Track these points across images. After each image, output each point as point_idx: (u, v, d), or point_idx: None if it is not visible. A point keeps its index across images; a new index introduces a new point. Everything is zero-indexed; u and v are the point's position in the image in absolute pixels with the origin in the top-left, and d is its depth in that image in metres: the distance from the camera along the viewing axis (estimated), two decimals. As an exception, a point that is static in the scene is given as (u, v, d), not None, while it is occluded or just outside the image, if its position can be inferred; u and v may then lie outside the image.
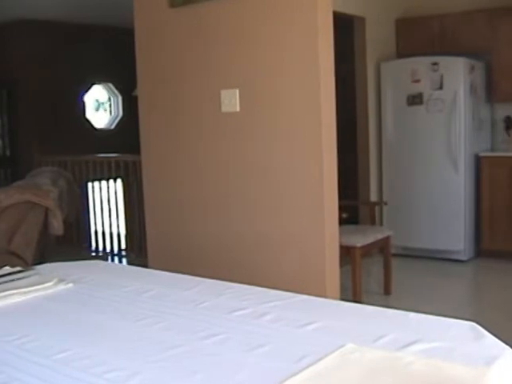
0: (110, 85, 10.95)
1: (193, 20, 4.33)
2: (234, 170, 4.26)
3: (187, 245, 4.51)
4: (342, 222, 4.49)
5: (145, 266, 4.31)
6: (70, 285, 2.99)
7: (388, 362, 1.89)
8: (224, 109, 4.23)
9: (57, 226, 5.44)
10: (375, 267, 6.29)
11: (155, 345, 2.18)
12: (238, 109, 4.17)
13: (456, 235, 6.89)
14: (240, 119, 4.18)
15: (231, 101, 4.18)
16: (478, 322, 2.25)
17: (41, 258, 5.16)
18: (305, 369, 1.87)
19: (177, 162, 4.54)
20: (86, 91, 10.44)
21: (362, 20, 7.13)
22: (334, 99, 3.99)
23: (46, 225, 5.47)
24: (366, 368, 1.87)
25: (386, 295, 5.74)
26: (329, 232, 3.95)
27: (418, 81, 6.93)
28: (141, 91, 4.73)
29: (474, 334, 2.14)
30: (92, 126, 10.61)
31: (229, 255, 4.30)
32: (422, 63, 6.92)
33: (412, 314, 2.37)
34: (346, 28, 7.06)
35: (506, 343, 2.06)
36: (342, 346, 2.02)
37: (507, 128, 7.27)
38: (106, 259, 7.59)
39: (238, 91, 4.16)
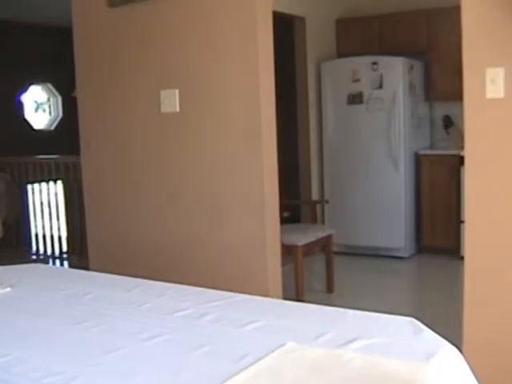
0: (49, 85, 10.80)
1: (132, 19, 4.29)
2: (174, 170, 4.24)
3: (128, 246, 4.47)
4: (283, 220, 4.51)
5: (86, 268, 4.26)
6: (8, 289, 2.94)
7: (328, 360, 1.90)
8: (164, 109, 4.20)
9: (-5, 229, 5.35)
10: (318, 266, 6.32)
11: (95, 348, 2.16)
12: (177, 109, 4.15)
13: (397, 232, 6.97)
14: (180, 119, 4.16)
15: (171, 101, 4.16)
16: (418, 318, 2.28)
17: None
18: (245, 368, 1.87)
19: (116, 163, 4.50)
20: (24, 92, 10.27)
21: (302, 20, 7.15)
22: (273, 98, 4.00)
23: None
24: (307, 366, 1.87)
25: (328, 293, 5.78)
26: (270, 231, 3.96)
27: (358, 80, 6.98)
28: (80, 92, 4.67)
29: (413, 329, 2.17)
30: (31, 126, 10.44)
31: (170, 256, 4.28)
32: (361, 63, 6.98)
33: (352, 312, 2.39)
34: (286, 28, 7.08)
35: (445, 338, 2.09)
36: (283, 345, 2.03)
37: (446, 126, 7.37)
38: (47, 262, 7.47)
39: (177, 91, 4.14)
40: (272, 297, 3.82)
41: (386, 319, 2.29)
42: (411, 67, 6.96)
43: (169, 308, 2.54)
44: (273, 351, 1.99)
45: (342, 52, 7.56)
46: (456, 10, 3.22)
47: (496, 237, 3.24)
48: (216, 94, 4.03)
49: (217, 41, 3.98)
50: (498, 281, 3.26)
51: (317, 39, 7.35)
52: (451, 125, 7.24)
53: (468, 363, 2.06)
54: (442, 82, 6.96)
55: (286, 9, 6.62)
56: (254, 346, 2.06)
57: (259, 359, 1.94)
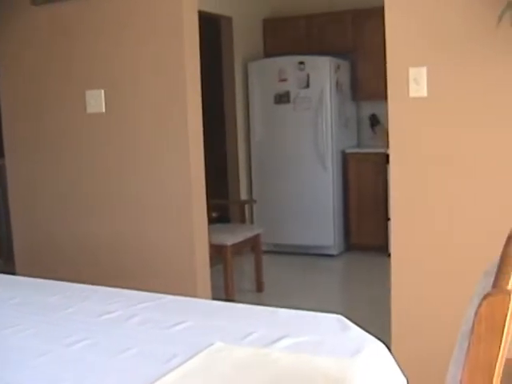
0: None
1: (56, 18, 4.22)
2: (100, 170, 4.19)
3: (55, 250, 4.40)
4: (212, 221, 4.50)
5: (13, 273, 4.17)
6: None
7: (256, 359, 1.90)
8: (89, 110, 4.15)
9: None
10: (248, 265, 6.33)
11: (20, 353, 2.11)
12: (103, 110, 4.11)
13: (326, 231, 7.03)
14: (106, 120, 4.12)
15: (97, 101, 4.11)
16: (348, 315, 2.29)
17: None
18: (173, 369, 1.86)
19: (42, 164, 4.43)
20: None
21: (228, 20, 7.15)
22: (199, 99, 3.99)
23: None
24: (234, 365, 1.87)
25: (258, 292, 5.79)
26: (198, 231, 3.95)
27: (285, 80, 7.02)
28: (4, 91, 4.57)
29: (341, 326, 2.18)
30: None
31: (97, 258, 4.23)
32: (288, 62, 7.02)
33: (281, 310, 2.39)
34: (212, 28, 7.07)
35: (374, 334, 2.11)
36: (211, 345, 2.02)
37: (372, 125, 7.48)
38: (-28, 267, 7.30)
39: (103, 92, 4.10)
40: (201, 297, 3.81)
41: (313, 317, 2.31)
42: (338, 67, 7.03)
43: (95, 311, 2.50)
44: (201, 351, 1.98)
45: (269, 52, 7.59)
46: (381, 11, 3.26)
47: (421, 233, 3.30)
48: (142, 94, 4.00)
49: (142, 41, 3.95)
50: (422, 276, 3.32)
51: (244, 39, 7.36)
52: (378, 123, 7.35)
53: (395, 358, 2.09)
54: (368, 81, 7.07)
55: (212, 8, 6.61)
56: (182, 347, 2.04)
57: (187, 360, 1.92)
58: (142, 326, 2.31)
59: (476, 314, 1.05)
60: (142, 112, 4.01)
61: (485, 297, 1.04)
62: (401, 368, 2.07)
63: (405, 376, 2.06)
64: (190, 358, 1.94)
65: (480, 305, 1.04)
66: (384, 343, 2.12)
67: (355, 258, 7.04)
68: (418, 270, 3.33)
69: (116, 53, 4.05)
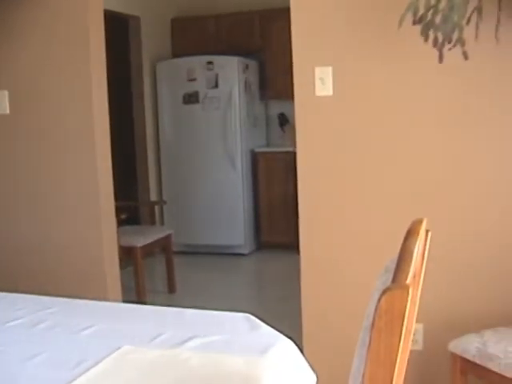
0: None
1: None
2: (6, 172, 4.10)
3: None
4: (121, 223, 4.46)
5: None
6: None
7: (164, 360, 1.90)
8: (-7, 111, 4.06)
9: None
10: (159, 266, 6.29)
11: None
12: (7, 111, 4.02)
13: (236, 230, 7.06)
14: (10, 121, 4.03)
15: (1, 103, 4.02)
16: (259, 313, 2.31)
17: None
18: (82, 374, 1.83)
19: None
20: None
21: (136, 19, 7.09)
22: (106, 99, 3.95)
23: None
24: (143, 368, 1.86)
25: (170, 294, 5.77)
26: (107, 234, 3.91)
27: (193, 80, 7.01)
28: None
29: (250, 325, 2.20)
30: None
31: (3, 262, 4.13)
32: (197, 62, 7.01)
33: (189, 311, 2.39)
34: (120, 27, 7.00)
35: (286, 331, 2.14)
36: (119, 348, 2.00)
37: (281, 124, 7.54)
38: None
39: (7, 93, 4.01)
40: (111, 300, 3.78)
41: (222, 316, 2.31)
42: (246, 67, 7.07)
43: (1, 318, 2.44)
44: (109, 355, 1.96)
45: (178, 52, 7.56)
46: (288, 11, 3.29)
47: (328, 231, 3.35)
48: (47, 95, 3.93)
49: (47, 41, 3.89)
50: (331, 273, 3.37)
51: (152, 39, 7.31)
52: (286, 122, 7.41)
53: (307, 355, 2.11)
54: (276, 80, 7.12)
55: (119, 8, 6.55)
56: (90, 352, 2.02)
57: (96, 364, 1.90)
58: (50, 331, 2.27)
59: (376, 308, 1.07)
60: (47, 113, 3.94)
61: (384, 291, 1.06)
62: (311, 365, 2.10)
63: (315, 372, 2.09)
64: (98, 362, 1.92)
65: (379, 299, 1.06)
66: (295, 341, 2.15)
67: (266, 256, 7.09)
68: (327, 267, 3.38)
69: (21, 54, 3.97)
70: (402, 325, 1.07)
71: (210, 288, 5.96)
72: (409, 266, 1.16)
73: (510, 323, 2.86)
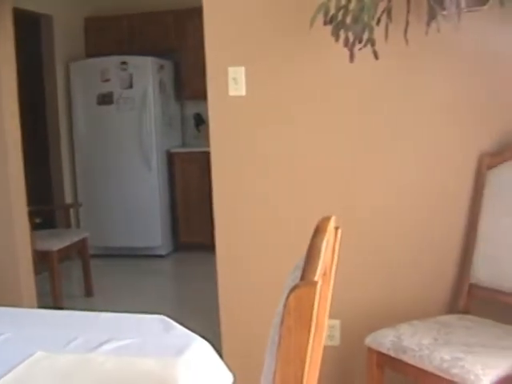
0: None
1: None
2: None
3: None
4: (36, 227, 4.38)
5: None
6: None
7: (78, 365, 1.87)
8: None
9: None
10: (77, 270, 6.20)
11: None
12: None
13: (153, 231, 7.02)
14: None
15: None
16: (176, 315, 2.31)
17: None
18: (-8, 383, 1.79)
19: None
20: None
21: (49, 18, 6.96)
22: (16, 101, 3.88)
23: None
24: (57, 374, 1.83)
25: (88, 297, 5.70)
26: (20, 239, 3.84)
27: (107, 80, 6.94)
28: None
29: (164, 326, 2.18)
30: None
31: None
32: (111, 63, 6.94)
33: (103, 315, 2.36)
34: (31, 27, 6.86)
35: (201, 333, 2.13)
36: (32, 355, 1.96)
37: (197, 124, 7.53)
38: None
39: None
40: (26, 306, 3.71)
41: (137, 319, 2.29)
42: (161, 67, 7.04)
43: None
44: (22, 362, 1.92)
45: (92, 52, 7.47)
46: (201, 11, 3.29)
47: (242, 231, 3.36)
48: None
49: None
50: (246, 273, 3.39)
51: (65, 38, 7.20)
52: (202, 123, 7.41)
53: (225, 355, 2.11)
54: (191, 80, 7.11)
55: (31, 6, 6.41)
56: (2, 360, 1.97)
57: (8, 372, 1.86)
58: (-42, 340, 2.21)
59: (285, 306, 1.08)
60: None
61: (292, 289, 1.07)
62: (228, 364, 2.10)
63: (232, 372, 2.09)
64: (10, 370, 1.88)
65: (288, 297, 1.07)
66: (213, 341, 2.15)
67: (184, 257, 7.08)
68: (242, 266, 3.39)
69: None
70: (311, 321, 1.08)
71: (127, 291, 5.90)
72: (317, 262, 1.17)
73: (424, 316, 2.91)
